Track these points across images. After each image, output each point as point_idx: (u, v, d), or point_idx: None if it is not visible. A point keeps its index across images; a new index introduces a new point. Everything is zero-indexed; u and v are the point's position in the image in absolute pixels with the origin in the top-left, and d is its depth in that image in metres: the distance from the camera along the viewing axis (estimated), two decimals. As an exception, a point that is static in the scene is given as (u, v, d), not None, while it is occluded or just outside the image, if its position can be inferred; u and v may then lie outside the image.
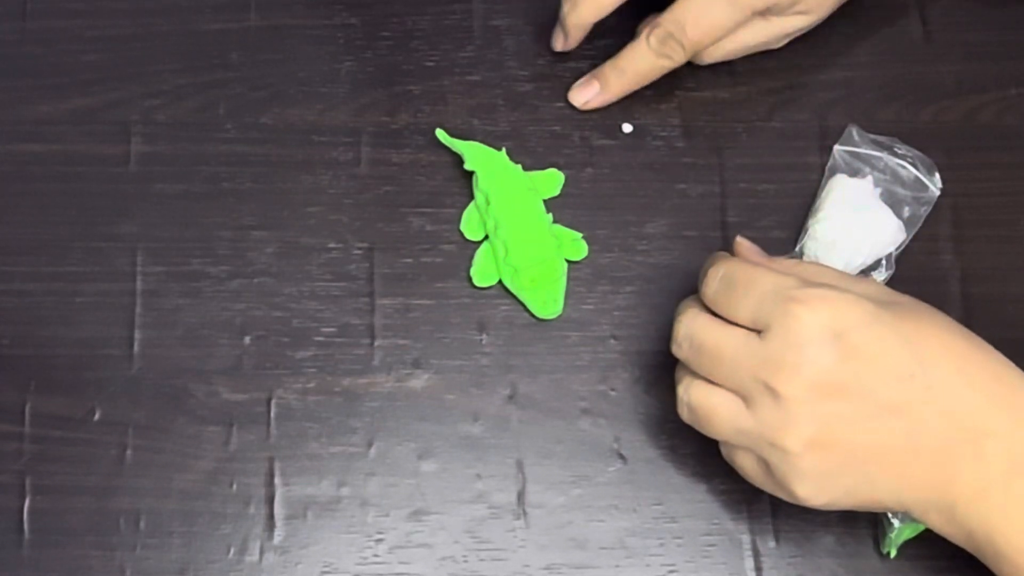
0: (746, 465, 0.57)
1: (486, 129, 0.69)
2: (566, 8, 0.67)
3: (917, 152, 0.68)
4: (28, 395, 0.65)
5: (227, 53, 0.71)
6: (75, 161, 0.69)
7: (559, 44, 0.69)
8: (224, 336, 0.66)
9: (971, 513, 0.53)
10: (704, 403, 0.56)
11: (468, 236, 0.67)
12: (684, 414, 0.58)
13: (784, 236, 0.67)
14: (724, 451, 0.58)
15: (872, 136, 0.68)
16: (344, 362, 0.66)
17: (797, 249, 0.66)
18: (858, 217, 0.66)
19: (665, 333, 0.66)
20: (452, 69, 0.70)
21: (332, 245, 0.68)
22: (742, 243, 0.61)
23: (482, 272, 0.67)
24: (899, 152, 0.67)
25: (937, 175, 0.67)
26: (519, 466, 0.64)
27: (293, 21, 0.71)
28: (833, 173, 0.67)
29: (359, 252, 0.67)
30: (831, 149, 0.68)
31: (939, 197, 0.67)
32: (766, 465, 0.55)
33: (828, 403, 0.53)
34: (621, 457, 0.65)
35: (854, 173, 0.67)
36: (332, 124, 0.69)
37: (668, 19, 0.65)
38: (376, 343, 0.66)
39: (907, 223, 0.66)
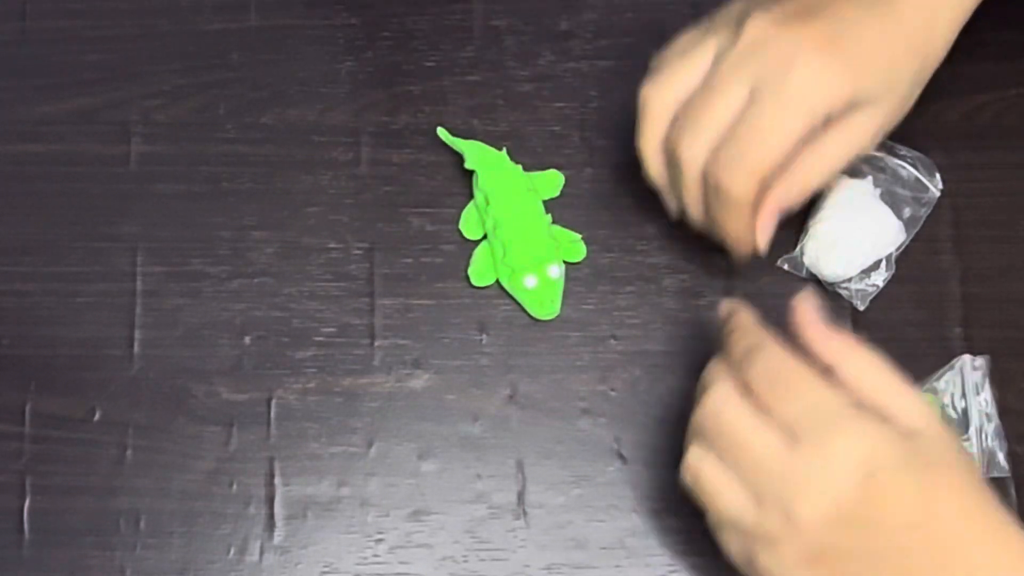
0: (731, 546, 0.56)
1: (486, 129, 0.69)
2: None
3: (917, 152, 0.68)
4: (28, 395, 0.65)
5: (227, 53, 0.71)
6: (75, 161, 0.69)
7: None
8: (224, 336, 0.66)
9: None
10: (712, 481, 0.56)
11: (466, 235, 0.67)
12: (686, 479, 0.57)
13: (784, 236, 0.67)
14: (711, 524, 0.57)
15: (872, 136, 0.68)
16: (344, 362, 0.66)
17: (797, 249, 0.66)
18: (858, 217, 0.66)
19: (665, 333, 0.66)
20: (452, 69, 0.70)
21: (332, 245, 0.68)
22: (802, 310, 0.57)
23: (480, 272, 0.67)
24: (899, 152, 0.67)
25: (937, 175, 0.67)
26: (519, 466, 0.64)
27: (293, 21, 0.71)
28: (833, 173, 0.67)
29: (359, 252, 0.67)
30: (831, 149, 0.68)
31: (939, 197, 0.67)
32: (753, 555, 0.55)
33: (835, 532, 0.53)
34: (621, 457, 0.65)
35: (854, 173, 0.67)
36: (332, 124, 0.69)
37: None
38: (376, 343, 0.66)
39: (907, 223, 0.66)
